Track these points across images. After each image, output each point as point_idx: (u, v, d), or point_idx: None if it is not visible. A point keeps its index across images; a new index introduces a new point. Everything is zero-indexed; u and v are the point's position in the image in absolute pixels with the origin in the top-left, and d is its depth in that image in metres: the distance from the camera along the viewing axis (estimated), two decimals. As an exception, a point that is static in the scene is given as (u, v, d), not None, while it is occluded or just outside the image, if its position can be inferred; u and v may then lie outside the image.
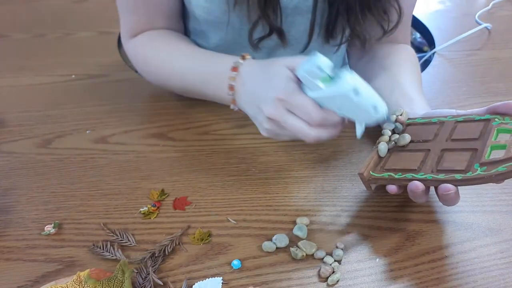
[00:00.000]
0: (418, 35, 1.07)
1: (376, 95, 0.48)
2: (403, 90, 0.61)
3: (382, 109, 0.48)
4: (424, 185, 0.47)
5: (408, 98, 0.60)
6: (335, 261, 0.48)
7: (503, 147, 0.45)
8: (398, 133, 0.54)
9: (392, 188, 0.49)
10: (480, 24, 0.99)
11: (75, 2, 1.16)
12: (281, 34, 0.63)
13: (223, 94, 0.58)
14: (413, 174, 0.48)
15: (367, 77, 0.71)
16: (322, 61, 0.47)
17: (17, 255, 0.49)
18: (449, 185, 0.45)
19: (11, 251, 0.49)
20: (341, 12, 0.62)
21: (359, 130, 0.50)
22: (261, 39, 0.63)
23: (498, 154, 0.45)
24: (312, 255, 0.49)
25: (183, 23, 0.75)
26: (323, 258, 0.49)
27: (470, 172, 0.45)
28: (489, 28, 0.98)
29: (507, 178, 0.44)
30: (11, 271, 0.47)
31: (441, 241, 0.51)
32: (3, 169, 0.61)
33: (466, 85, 0.79)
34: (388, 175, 0.50)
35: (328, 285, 0.46)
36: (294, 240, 0.51)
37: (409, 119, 0.56)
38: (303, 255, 0.49)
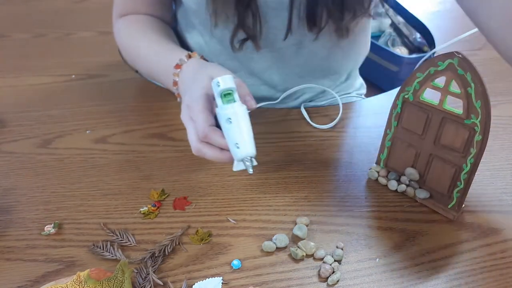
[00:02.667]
0: (418, 35, 1.07)
1: (246, 137, 0.48)
2: None
3: (243, 152, 0.47)
4: None
5: None
6: (335, 261, 0.48)
7: None
8: None
9: None
10: (480, 24, 0.99)
11: (75, 2, 1.17)
12: (254, 40, 0.66)
13: (171, 87, 0.63)
14: None
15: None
16: (223, 80, 0.48)
17: (17, 255, 0.49)
18: None
19: (11, 251, 0.49)
20: (320, 1, 0.63)
21: (236, 166, 0.50)
22: (241, 44, 0.67)
23: None
24: (312, 255, 0.49)
25: (169, 12, 0.78)
26: (323, 258, 0.49)
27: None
28: (489, 28, 0.98)
29: None
30: (11, 271, 0.47)
31: (441, 241, 0.51)
32: (3, 169, 0.61)
33: (466, 85, 0.79)
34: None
35: (328, 285, 0.46)
36: (294, 240, 0.51)
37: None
38: (303, 255, 0.49)
